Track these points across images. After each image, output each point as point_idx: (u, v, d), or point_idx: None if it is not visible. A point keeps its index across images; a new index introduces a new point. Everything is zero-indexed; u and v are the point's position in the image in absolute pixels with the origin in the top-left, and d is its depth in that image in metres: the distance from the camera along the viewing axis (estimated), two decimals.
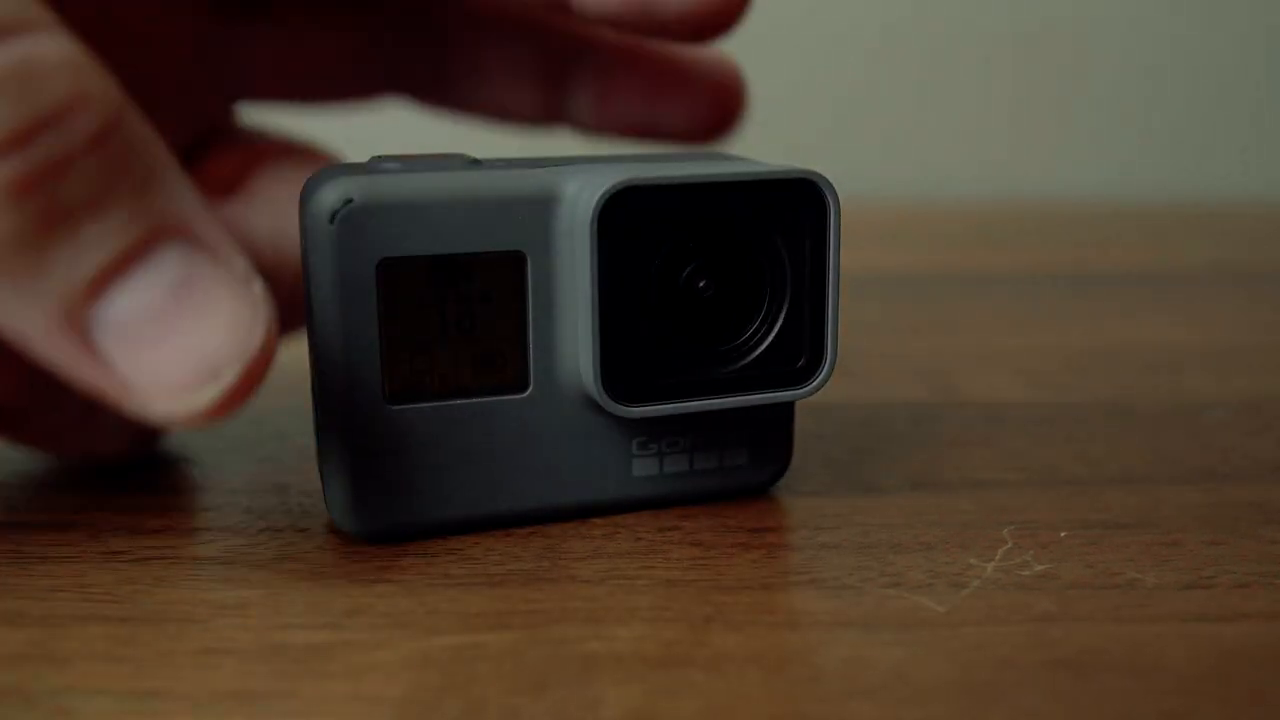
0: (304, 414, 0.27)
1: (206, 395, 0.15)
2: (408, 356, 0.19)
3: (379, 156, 0.20)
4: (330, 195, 0.18)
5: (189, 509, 0.21)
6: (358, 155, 0.21)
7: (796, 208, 0.20)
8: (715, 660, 0.16)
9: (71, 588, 0.18)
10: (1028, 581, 0.18)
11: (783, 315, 0.20)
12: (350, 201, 0.18)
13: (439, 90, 0.26)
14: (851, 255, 0.22)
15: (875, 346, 0.33)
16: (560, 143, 0.26)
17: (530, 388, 0.20)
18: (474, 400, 0.20)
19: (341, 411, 0.19)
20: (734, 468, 0.21)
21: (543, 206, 0.19)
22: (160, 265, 0.15)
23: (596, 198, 0.18)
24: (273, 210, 0.22)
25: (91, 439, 0.21)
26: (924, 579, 0.18)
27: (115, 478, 0.23)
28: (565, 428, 0.20)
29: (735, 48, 0.24)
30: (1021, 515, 0.21)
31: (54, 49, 0.14)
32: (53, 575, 0.18)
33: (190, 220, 0.16)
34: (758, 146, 0.25)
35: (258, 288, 0.16)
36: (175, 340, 0.15)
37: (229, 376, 0.15)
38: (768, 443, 0.21)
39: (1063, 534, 0.20)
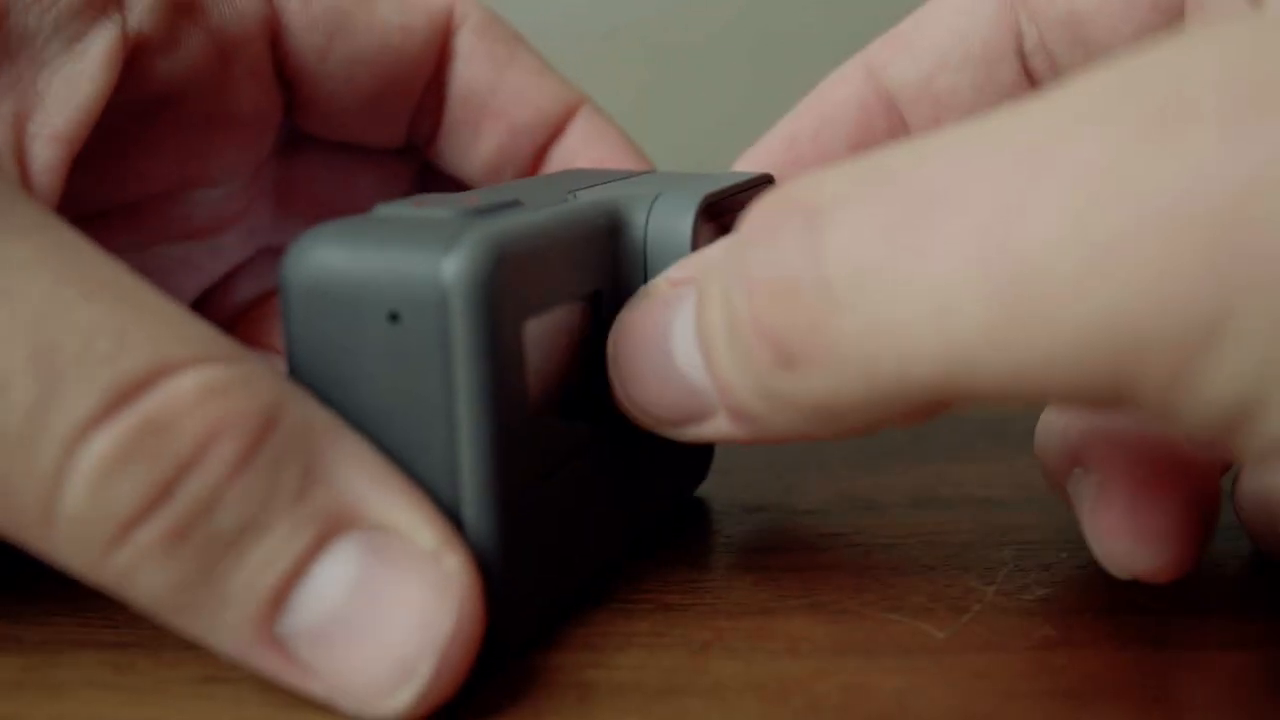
0: None
1: (404, 696, 0.14)
2: (553, 422, 0.17)
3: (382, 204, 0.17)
4: (470, 250, 0.14)
5: None
6: None
7: None
8: (714, 689, 0.16)
9: (68, 613, 0.18)
10: (1029, 606, 0.18)
11: None
12: (503, 257, 0.15)
13: None
14: None
15: None
16: None
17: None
18: (581, 462, 0.18)
19: (504, 502, 0.15)
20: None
21: (615, 238, 0.18)
22: (337, 562, 0.14)
23: (691, 211, 0.17)
24: None
25: None
26: (924, 602, 0.18)
27: None
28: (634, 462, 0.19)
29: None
30: (1022, 535, 0.21)
31: (188, 386, 0.14)
32: (50, 599, 0.18)
33: (362, 504, 0.15)
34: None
35: (450, 563, 0.15)
36: (366, 639, 0.14)
37: (424, 671, 0.14)
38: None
39: (1064, 555, 0.20)
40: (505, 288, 0.15)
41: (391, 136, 0.24)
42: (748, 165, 0.23)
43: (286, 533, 0.14)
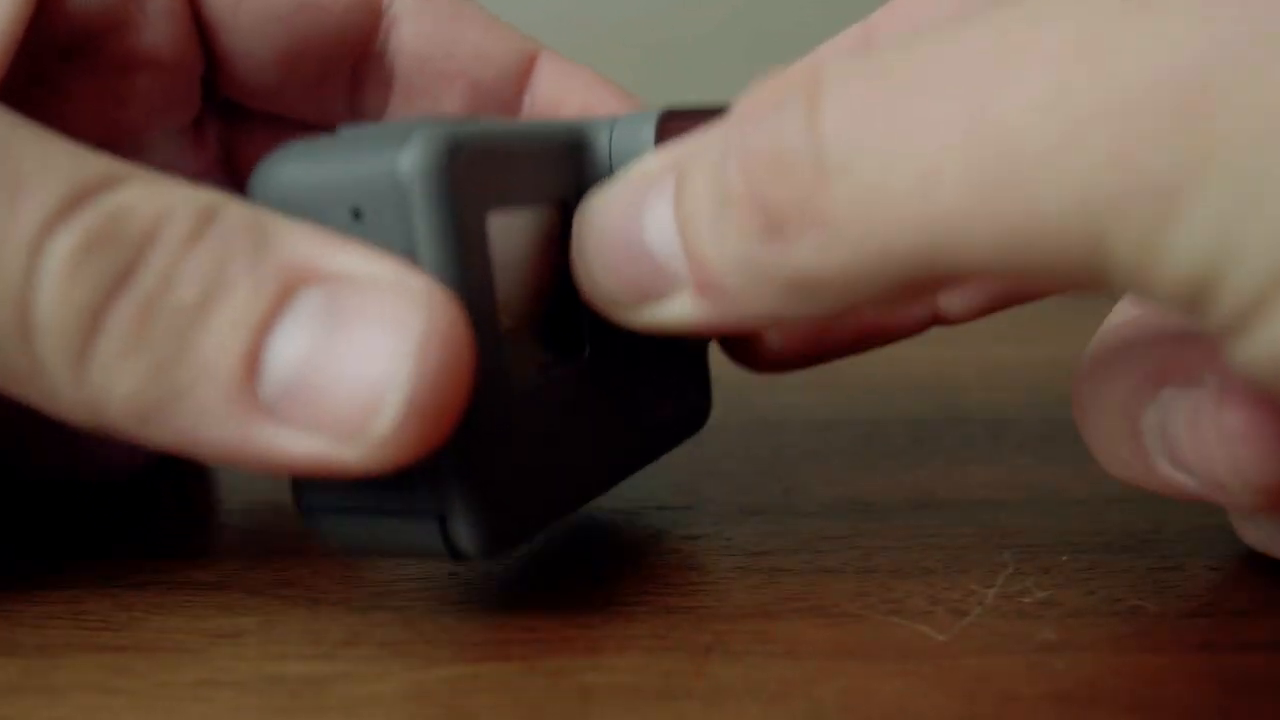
0: None
1: (383, 420, 0.14)
2: (524, 326, 0.17)
3: (346, 125, 0.18)
4: (424, 143, 0.15)
5: (184, 531, 0.21)
6: None
7: None
8: (714, 693, 0.16)
9: (66, 615, 0.18)
10: (1029, 609, 0.18)
11: None
12: (459, 148, 0.15)
13: None
14: None
15: (875, 360, 0.33)
16: None
17: (587, 349, 0.18)
18: (564, 368, 0.18)
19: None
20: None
21: (579, 154, 0.18)
22: (303, 311, 0.14)
23: (650, 123, 0.18)
24: None
25: (84, 466, 0.21)
26: (925, 605, 0.18)
27: (110, 499, 0.23)
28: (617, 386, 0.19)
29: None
30: (1022, 538, 0.21)
31: (137, 186, 0.15)
32: (47, 602, 0.18)
33: (319, 258, 0.15)
34: None
35: (413, 282, 0.14)
36: (340, 374, 0.14)
37: (398, 388, 0.14)
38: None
39: (1064, 557, 0.20)
40: (462, 176, 0.15)
41: (332, 110, 0.23)
42: None
43: (248, 292, 0.14)
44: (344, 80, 0.23)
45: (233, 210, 0.15)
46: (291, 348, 0.14)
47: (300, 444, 0.14)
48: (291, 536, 0.21)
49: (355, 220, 0.15)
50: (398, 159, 0.15)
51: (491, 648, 0.17)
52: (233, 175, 0.24)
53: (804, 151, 0.13)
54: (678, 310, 0.16)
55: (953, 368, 0.32)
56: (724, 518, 0.22)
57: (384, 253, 0.15)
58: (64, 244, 0.14)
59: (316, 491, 0.16)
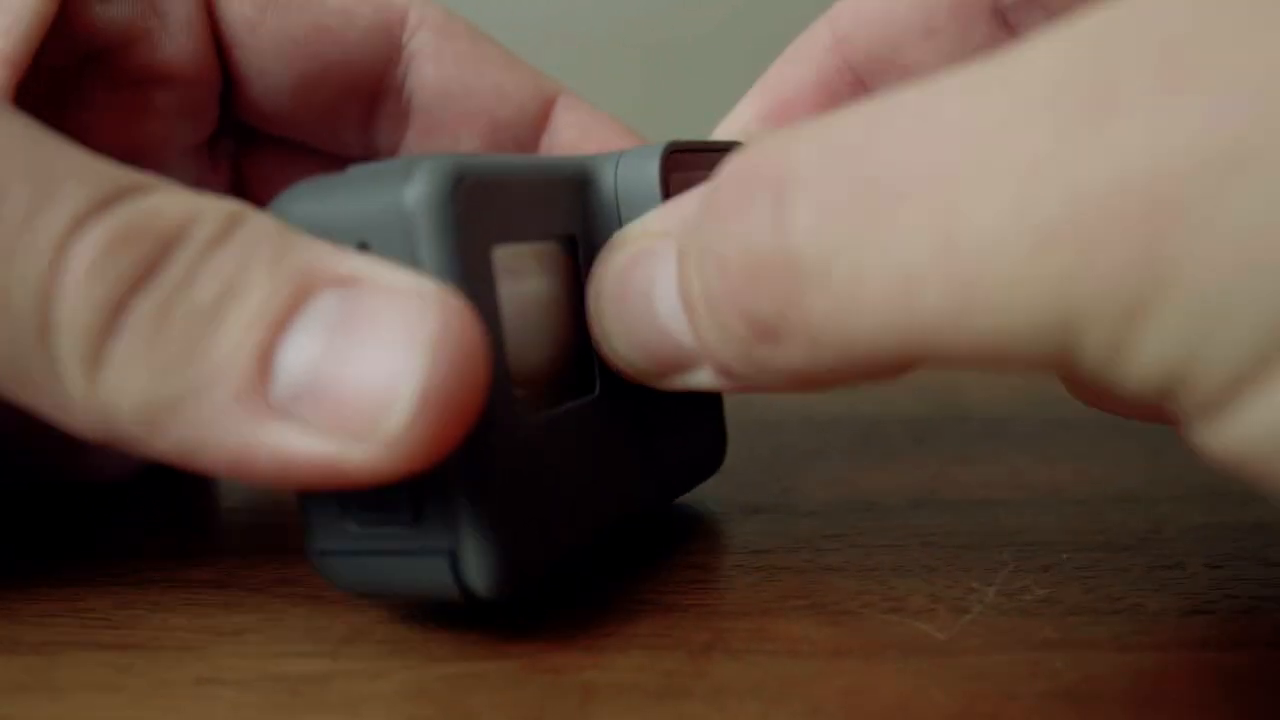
0: None
1: (395, 420, 0.14)
2: (533, 361, 0.17)
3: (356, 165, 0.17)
4: (429, 175, 0.15)
5: (185, 528, 0.21)
6: None
7: None
8: (714, 692, 0.16)
9: (67, 613, 0.18)
10: (1029, 607, 0.18)
11: None
12: (463, 180, 0.15)
13: None
14: None
15: None
16: None
17: (598, 387, 0.18)
18: (575, 403, 0.18)
19: (474, 438, 0.15)
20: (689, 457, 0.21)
21: (586, 190, 0.18)
22: (316, 313, 0.14)
23: (655, 159, 0.18)
24: None
25: (86, 467, 0.21)
26: (925, 604, 0.18)
27: (111, 498, 0.23)
28: (628, 425, 0.19)
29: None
30: (1022, 536, 0.21)
31: (166, 193, 0.15)
32: (48, 599, 0.18)
33: (334, 262, 0.14)
34: None
35: (425, 287, 0.14)
36: (351, 375, 0.14)
37: (410, 387, 0.13)
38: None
39: (1064, 556, 0.20)
40: (467, 208, 0.15)
41: (347, 140, 0.23)
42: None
43: (265, 293, 0.14)
44: (360, 111, 0.23)
45: (258, 218, 0.15)
46: (305, 349, 0.14)
47: (309, 446, 0.14)
48: (292, 534, 0.21)
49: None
50: (403, 191, 0.15)
51: (492, 646, 0.17)
52: (243, 200, 0.24)
53: (778, 259, 0.13)
54: (703, 380, 0.16)
55: (952, 370, 0.32)
56: (724, 516, 0.22)
57: None
58: (89, 242, 0.14)
59: (328, 535, 0.16)
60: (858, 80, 0.22)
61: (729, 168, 0.14)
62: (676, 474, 0.21)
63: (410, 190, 0.15)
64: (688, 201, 0.16)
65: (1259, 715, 0.15)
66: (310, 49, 0.22)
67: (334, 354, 0.14)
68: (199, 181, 0.23)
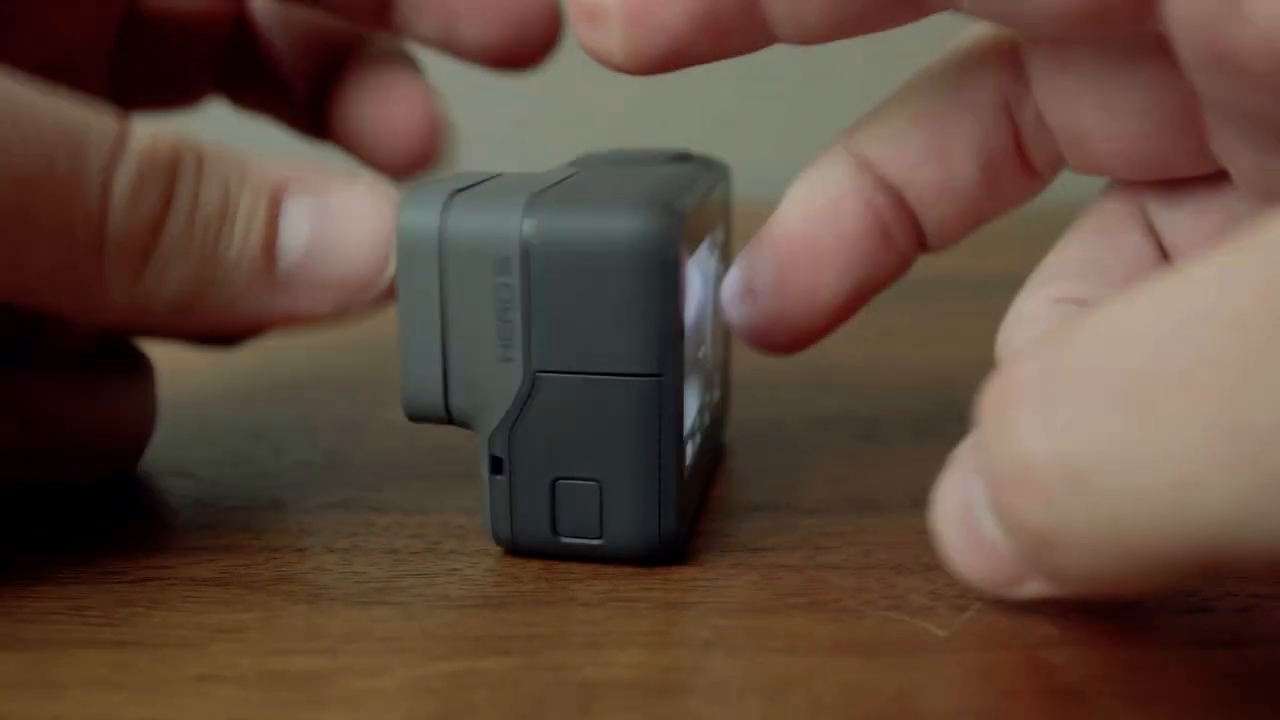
0: (301, 428, 0.27)
1: (376, 284, 0.19)
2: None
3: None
4: (654, 215, 0.18)
5: (185, 526, 0.21)
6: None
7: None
8: (715, 688, 0.16)
9: (67, 610, 0.18)
10: (1028, 605, 0.18)
11: None
12: (678, 219, 0.18)
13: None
14: None
15: (875, 359, 0.33)
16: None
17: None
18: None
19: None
20: None
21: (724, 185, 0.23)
22: (294, 211, 0.19)
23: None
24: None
25: (63, 466, 0.22)
26: (925, 601, 0.18)
27: (111, 494, 0.23)
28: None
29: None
30: None
31: (144, 135, 0.18)
32: (49, 597, 0.18)
33: (292, 173, 0.19)
34: (759, 147, 0.25)
35: (368, 178, 0.20)
36: (346, 241, 0.19)
37: (386, 260, 0.19)
38: None
39: None
40: (678, 240, 0.18)
41: None
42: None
43: (249, 203, 0.19)
44: None
45: (213, 149, 0.19)
46: (298, 233, 0.19)
47: (312, 307, 0.19)
48: (292, 532, 0.21)
49: (593, 278, 0.18)
50: (630, 228, 0.18)
51: (492, 642, 0.17)
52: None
53: (1045, 467, 0.13)
54: (1038, 590, 0.16)
55: (953, 367, 0.32)
56: (724, 514, 0.22)
57: (618, 306, 0.18)
58: (122, 180, 0.17)
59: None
60: (901, 203, 0.20)
61: (988, 391, 0.14)
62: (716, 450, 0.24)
63: (637, 226, 0.18)
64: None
65: (1259, 714, 0.15)
66: None
67: (324, 239, 0.19)
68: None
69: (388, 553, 0.20)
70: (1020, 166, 0.20)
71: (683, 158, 0.23)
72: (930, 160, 0.20)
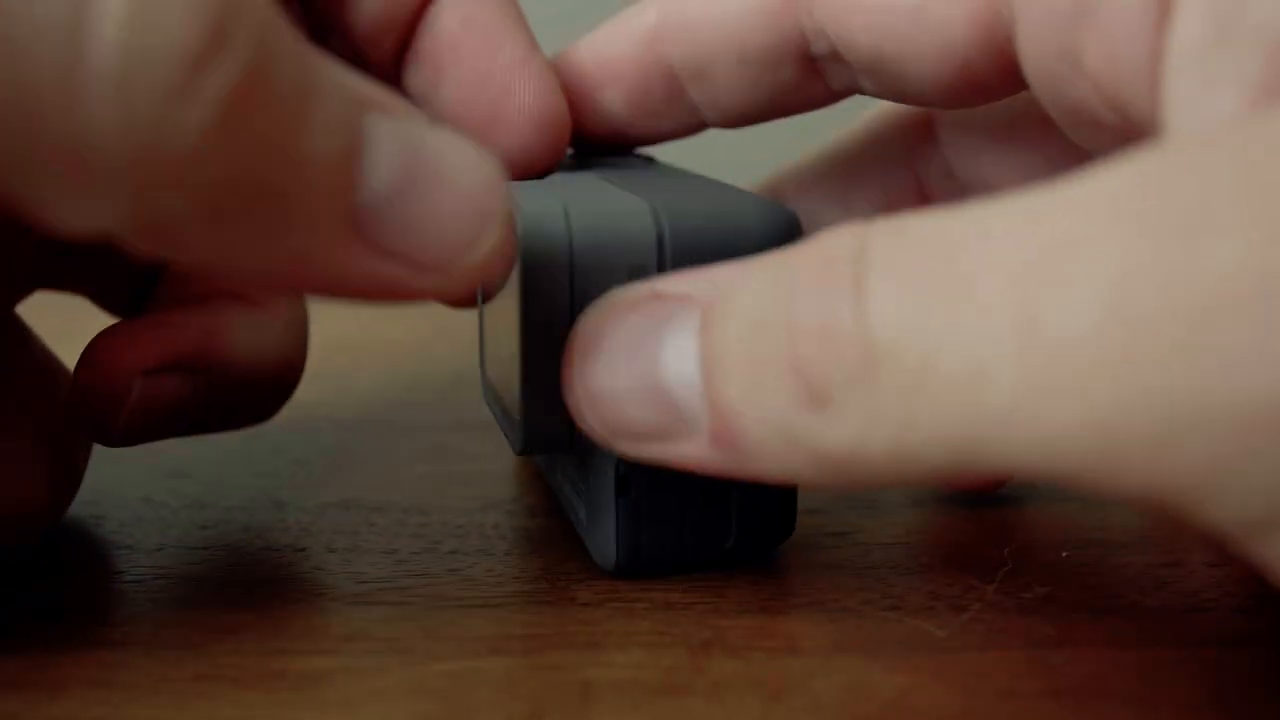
0: (301, 427, 0.27)
1: (486, 244, 0.15)
2: None
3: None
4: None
5: (185, 526, 0.21)
6: None
7: None
8: (714, 688, 0.16)
9: (67, 609, 0.18)
10: (1028, 604, 0.18)
11: None
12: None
13: None
14: None
15: None
16: None
17: None
18: None
19: None
20: None
21: None
22: (383, 135, 0.14)
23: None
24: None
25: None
26: (925, 601, 0.18)
27: (110, 494, 0.23)
28: None
29: None
30: (1022, 534, 0.21)
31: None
32: (48, 596, 0.18)
33: (378, 94, 0.15)
34: (756, 160, 0.25)
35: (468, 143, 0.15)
36: (440, 197, 0.15)
37: (500, 213, 0.15)
38: None
39: (1064, 554, 0.20)
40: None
41: None
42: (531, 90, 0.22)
43: (337, 102, 0.14)
44: None
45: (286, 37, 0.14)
46: (387, 167, 0.14)
47: (400, 270, 0.15)
48: (292, 532, 0.21)
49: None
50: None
51: (492, 642, 0.17)
52: None
53: (853, 333, 0.13)
54: (685, 452, 0.16)
55: None
56: None
57: None
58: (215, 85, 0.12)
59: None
60: (672, 77, 0.22)
61: (806, 248, 0.15)
62: None
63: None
64: (720, 271, 0.16)
65: (1258, 714, 0.15)
66: None
67: (415, 182, 0.14)
68: None
69: (388, 553, 0.20)
70: None
71: (649, 160, 0.23)
72: (833, 203, 0.23)
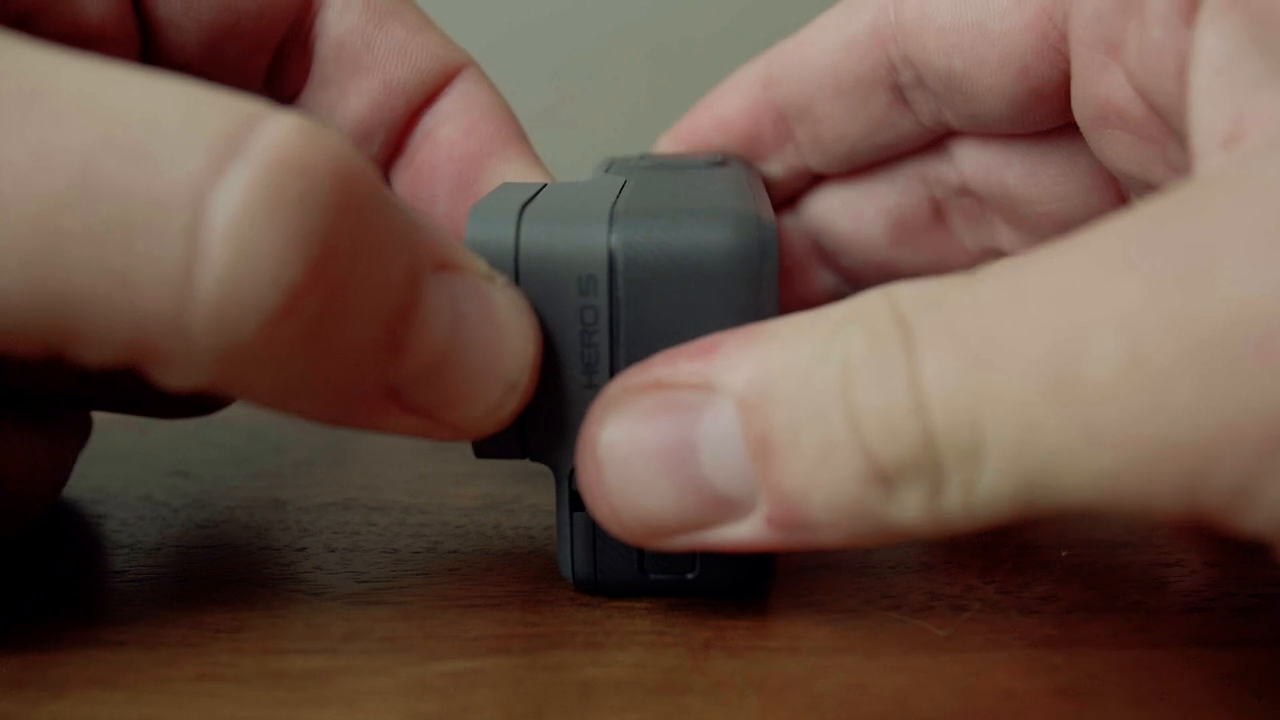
0: (301, 427, 0.27)
1: (509, 407, 0.16)
2: None
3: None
4: (747, 224, 0.16)
5: (185, 526, 0.21)
6: None
7: None
8: (714, 688, 0.16)
9: (68, 610, 0.18)
10: (1029, 604, 0.18)
11: None
12: (766, 228, 0.17)
13: None
14: None
15: None
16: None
17: None
18: None
19: None
20: None
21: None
22: (436, 304, 0.15)
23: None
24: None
25: None
26: (925, 601, 0.18)
27: (110, 494, 0.23)
28: None
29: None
30: (1022, 534, 0.21)
31: (286, 125, 0.13)
32: (48, 596, 0.18)
33: (437, 243, 0.15)
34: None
35: (504, 282, 0.16)
36: (476, 368, 0.16)
37: (523, 383, 0.16)
38: None
39: (1064, 553, 0.20)
40: (775, 252, 0.17)
41: (251, 88, 0.22)
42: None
43: (403, 266, 0.14)
44: (267, 60, 0.22)
45: (372, 171, 0.15)
46: (434, 334, 0.15)
47: (418, 426, 0.16)
48: (292, 532, 0.21)
49: (687, 295, 0.16)
50: (726, 240, 0.16)
51: (492, 642, 0.17)
52: None
53: (910, 411, 0.14)
54: (736, 535, 0.15)
55: None
56: None
57: (719, 315, 0.16)
58: (229, 198, 0.13)
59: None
60: (781, 118, 0.23)
61: (838, 321, 0.15)
62: None
63: (737, 235, 0.16)
64: (720, 346, 0.15)
65: (1258, 714, 0.15)
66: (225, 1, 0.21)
67: (457, 349, 0.15)
68: None
69: (388, 553, 0.20)
70: (932, 229, 0.24)
71: (721, 163, 0.22)
72: (845, 214, 0.24)
